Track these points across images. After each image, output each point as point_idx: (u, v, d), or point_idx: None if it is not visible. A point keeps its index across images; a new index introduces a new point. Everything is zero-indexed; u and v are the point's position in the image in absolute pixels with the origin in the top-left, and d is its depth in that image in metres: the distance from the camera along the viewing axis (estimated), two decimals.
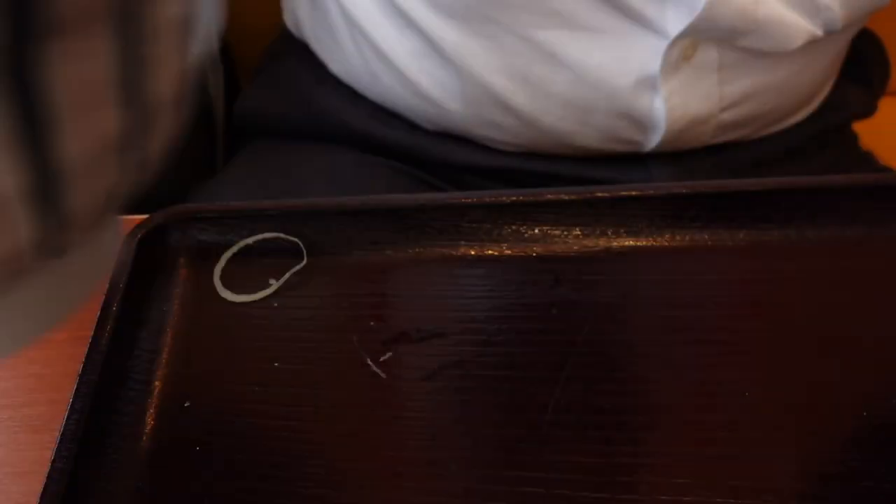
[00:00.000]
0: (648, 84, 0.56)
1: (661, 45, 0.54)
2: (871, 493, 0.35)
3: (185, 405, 0.39)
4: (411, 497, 0.35)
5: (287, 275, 0.45)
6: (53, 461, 0.35)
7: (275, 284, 0.44)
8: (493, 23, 0.56)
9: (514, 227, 0.46)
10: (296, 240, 0.46)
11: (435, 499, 0.35)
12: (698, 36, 0.54)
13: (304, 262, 0.45)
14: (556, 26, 0.55)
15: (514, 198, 0.45)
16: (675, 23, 0.52)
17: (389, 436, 0.37)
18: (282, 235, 0.46)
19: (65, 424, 0.36)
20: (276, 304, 0.43)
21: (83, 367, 0.39)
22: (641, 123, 0.58)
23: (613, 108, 0.57)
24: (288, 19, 0.72)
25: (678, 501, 0.34)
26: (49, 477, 0.35)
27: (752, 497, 0.34)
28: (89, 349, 0.39)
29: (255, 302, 0.44)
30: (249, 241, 0.46)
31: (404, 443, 0.37)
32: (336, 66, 0.66)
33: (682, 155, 0.61)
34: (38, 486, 0.36)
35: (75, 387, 0.38)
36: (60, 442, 0.36)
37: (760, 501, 0.34)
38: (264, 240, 0.46)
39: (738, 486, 0.35)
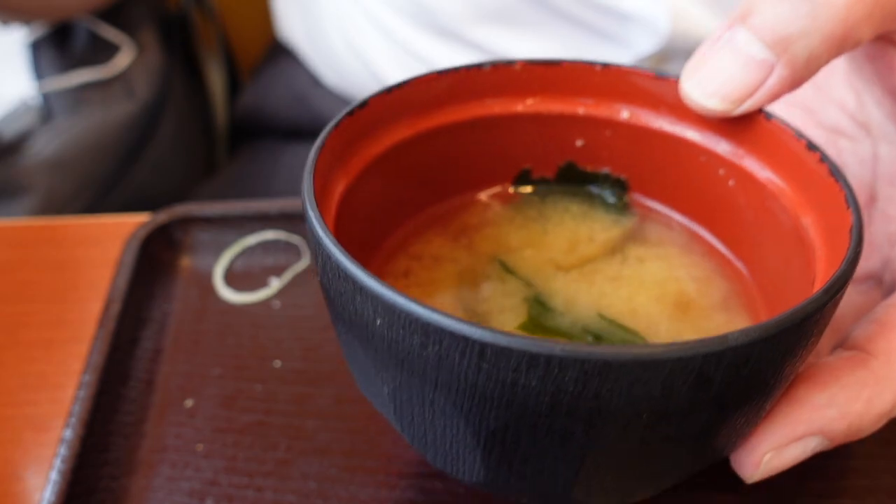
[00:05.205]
0: None
1: (629, 58, 0.55)
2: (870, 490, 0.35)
3: (187, 404, 0.39)
4: (411, 495, 0.35)
5: (287, 275, 0.45)
6: (56, 460, 0.35)
7: (275, 284, 0.45)
8: (470, 37, 0.58)
9: None
10: (296, 240, 0.46)
11: (435, 497, 0.35)
12: (667, 54, 0.55)
13: (304, 262, 0.45)
14: (527, 41, 0.57)
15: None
16: (641, 40, 0.54)
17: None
18: (282, 235, 0.46)
19: (67, 423, 0.37)
20: (276, 304, 0.44)
21: (85, 366, 0.39)
22: None
23: None
24: (280, 34, 0.73)
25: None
26: (52, 476, 0.35)
27: (751, 491, 0.34)
28: (91, 349, 0.40)
29: (255, 302, 0.44)
30: (250, 241, 0.46)
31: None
32: (331, 76, 0.67)
33: None
34: (41, 484, 0.36)
35: (77, 386, 0.38)
36: (63, 441, 0.36)
37: (761, 496, 0.34)
38: (264, 240, 0.46)
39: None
